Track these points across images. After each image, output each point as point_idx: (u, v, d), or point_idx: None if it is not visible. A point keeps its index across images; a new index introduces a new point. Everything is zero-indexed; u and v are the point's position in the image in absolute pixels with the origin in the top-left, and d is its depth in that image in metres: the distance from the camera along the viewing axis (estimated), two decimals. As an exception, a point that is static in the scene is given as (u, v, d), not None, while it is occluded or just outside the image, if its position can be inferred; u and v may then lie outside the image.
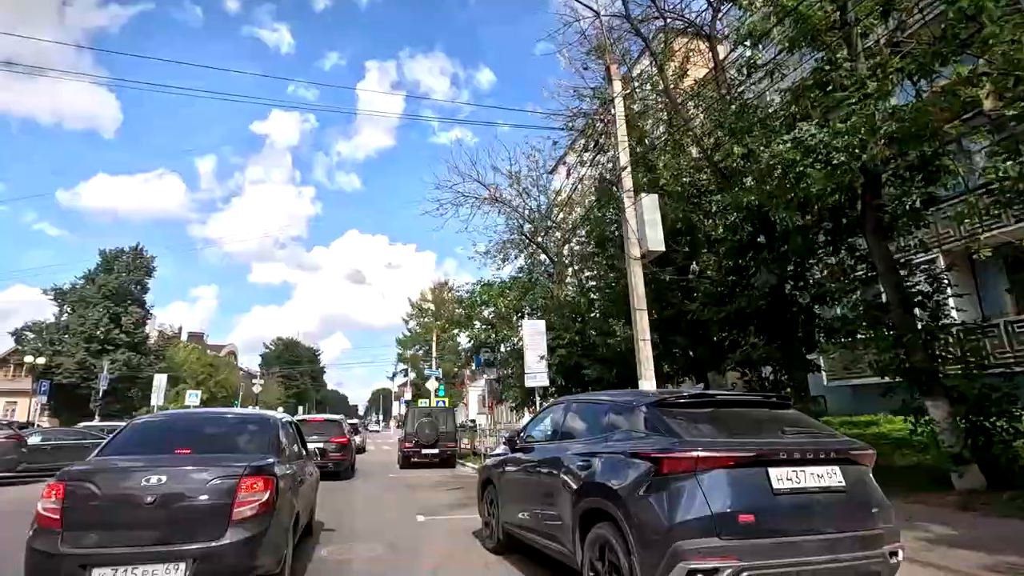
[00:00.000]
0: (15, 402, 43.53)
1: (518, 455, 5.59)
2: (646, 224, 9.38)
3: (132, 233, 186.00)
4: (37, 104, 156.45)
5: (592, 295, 16.65)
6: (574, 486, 4.10)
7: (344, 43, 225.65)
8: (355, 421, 39.81)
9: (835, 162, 7.33)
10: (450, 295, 43.39)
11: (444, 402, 29.34)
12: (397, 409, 68.60)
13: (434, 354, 40.91)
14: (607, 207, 12.98)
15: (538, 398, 16.18)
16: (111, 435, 5.03)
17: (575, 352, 15.93)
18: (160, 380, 33.06)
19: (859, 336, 8.53)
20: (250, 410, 6.40)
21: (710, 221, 10.15)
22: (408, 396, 57.37)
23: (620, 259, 13.08)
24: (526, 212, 19.59)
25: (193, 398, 36.55)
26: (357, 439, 24.02)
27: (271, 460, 4.64)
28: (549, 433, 5.25)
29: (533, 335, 15.94)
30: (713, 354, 12.24)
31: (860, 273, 8.74)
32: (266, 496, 4.23)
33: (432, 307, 58.45)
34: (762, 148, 8.14)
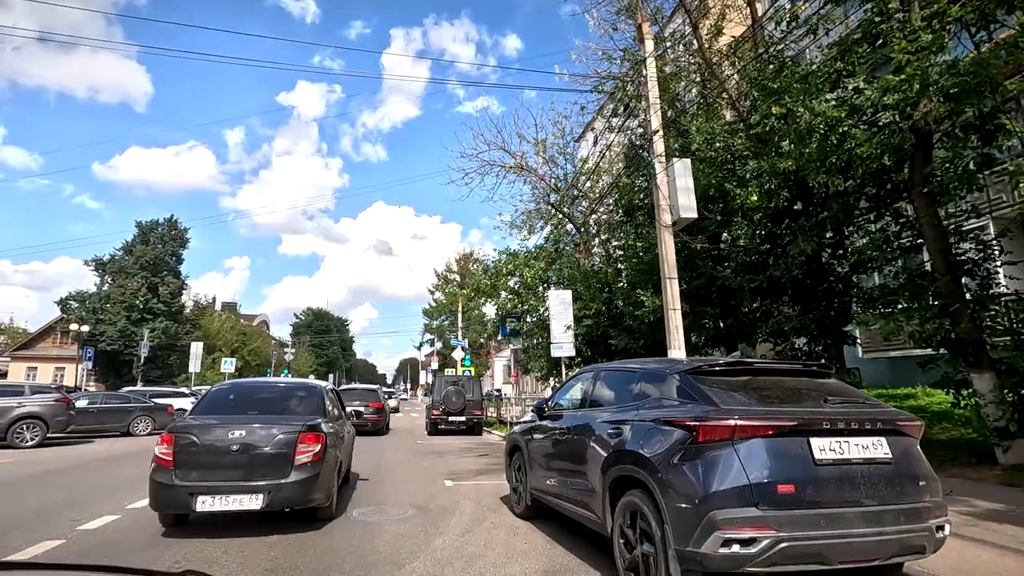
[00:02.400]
0: (63, 368, 45.66)
1: (546, 423, 5.57)
2: (678, 190, 9.10)
3: (166, 205, 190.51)
4: (72, 78, 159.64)
5: (619, 265, 16.41)
6: (604, 453, 4.05)
7: (368, 11, 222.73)
8: (391, 390, 45.06)
9: (883, 121, 6.92)
10: (476, 266, 43.49)
11: (470, 372, 29.66)
12: (424, 378, 69.87)
13: (459, 324, 41.27)
14: (636, 174, 12.64)
15: (564, 368, 16.19)
16: (198, 399, 6.37)
17: (601, 322, 15.81)
18: (197, 348, 34.18)
19: (901, 306, 8.17)
20: (299, 380, 8.24)
21: (744, 189, 9.77)
22: (435, 366, 58.28)
23: (649, 227, 12.80)
24: (552, 181, 19.28)
25: (228, 366, 37.74)
26: (392, 403, 29.56)
27: (320, 421, 5.82)
28: (578, 401, 5.19)
29: (559, 305, 15.86)
30: (744, 324, 11.98)
31: (905, 240, 8.32)
32: (318, 448, 5.46)
33: (457, 278, 58.80)
34: (802, 108, 7.72)
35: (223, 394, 6.38)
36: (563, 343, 15.52)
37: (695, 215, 9.17)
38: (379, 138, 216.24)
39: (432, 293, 63.58)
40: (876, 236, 8.62)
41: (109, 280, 45.78)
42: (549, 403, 5.75)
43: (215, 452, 5.19)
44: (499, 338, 22.78)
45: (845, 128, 7.21)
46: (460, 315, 40.74)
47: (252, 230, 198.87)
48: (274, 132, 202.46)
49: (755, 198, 9.18)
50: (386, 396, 21.76)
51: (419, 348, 69.63)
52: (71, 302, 44.99)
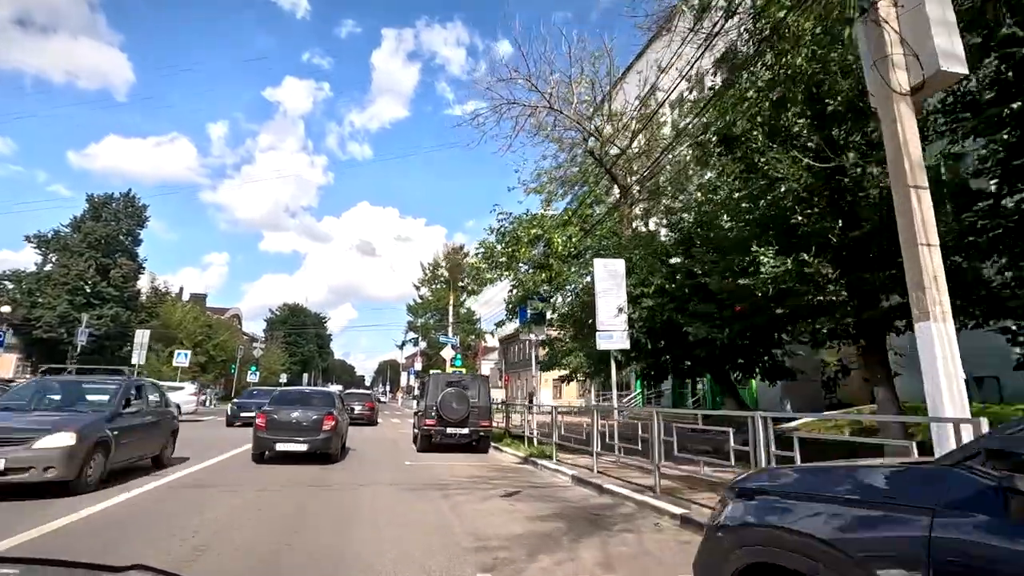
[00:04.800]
0: (-6, 357, 39.92)
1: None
2: (931, 23, 4.84)
3: (144, 196, 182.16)
4: (49, 63, 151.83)
5: (681, 229, 12.17)
6: None
7: (360, 9, 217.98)
8: (370, 392, 49.71)
9: None
10: (465, 260, 39.13)
11: (461, 372, 25.23)
12: (405, 379, 65.06)
13: (451, 319, 36.77)
14: (743, 81, 8.39)
15: (613, 365, 11.80)
16: (270, 398, 12.41)
17: (666, 304, 11.55)
18: (142, 336, 29.11)
19: None
20: (322, 388, 15.80)
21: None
22: (418, 366, 53.74)
23: (761, 155, 8.55)
24: (592, 127, 14.92)
25: (182, 358, 32.83)
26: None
27: (334, 410, 11.48)
28: None
29: (608, 280, 11.59)
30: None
31: None
32: (334, 423, 10.87)
33: (446, 273, 54.37)
34: None
35: (281, 396, 12.47)
36: (613, 331, 11.23)
37: (964, 68, 4.90)
38: (366, 138, 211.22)
39: (417, 289, 58.87)
40: None
41: (53, 259, 40.31)
42: (1002, 440, 1.35)
43: (284, 422, 10.67)
44: (519, 325, 18.18)
45: None
46: (451, 309, 36.24)
47: (233, 226, 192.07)
48: (259, 127, 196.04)
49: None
50: (376, 397, 32.11)
51: (401, 348, 64.64)
52: (5, 282, 39.39)
